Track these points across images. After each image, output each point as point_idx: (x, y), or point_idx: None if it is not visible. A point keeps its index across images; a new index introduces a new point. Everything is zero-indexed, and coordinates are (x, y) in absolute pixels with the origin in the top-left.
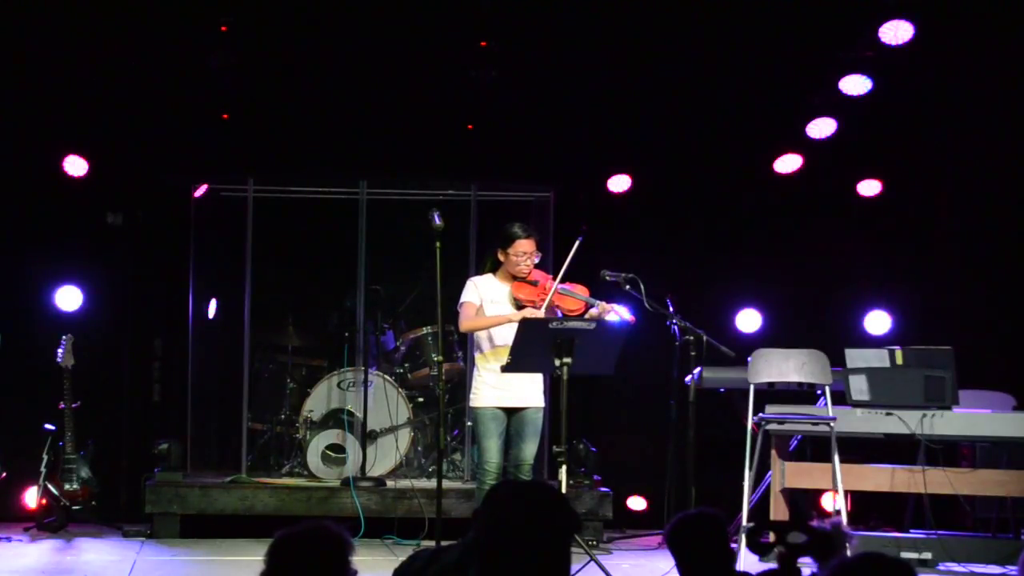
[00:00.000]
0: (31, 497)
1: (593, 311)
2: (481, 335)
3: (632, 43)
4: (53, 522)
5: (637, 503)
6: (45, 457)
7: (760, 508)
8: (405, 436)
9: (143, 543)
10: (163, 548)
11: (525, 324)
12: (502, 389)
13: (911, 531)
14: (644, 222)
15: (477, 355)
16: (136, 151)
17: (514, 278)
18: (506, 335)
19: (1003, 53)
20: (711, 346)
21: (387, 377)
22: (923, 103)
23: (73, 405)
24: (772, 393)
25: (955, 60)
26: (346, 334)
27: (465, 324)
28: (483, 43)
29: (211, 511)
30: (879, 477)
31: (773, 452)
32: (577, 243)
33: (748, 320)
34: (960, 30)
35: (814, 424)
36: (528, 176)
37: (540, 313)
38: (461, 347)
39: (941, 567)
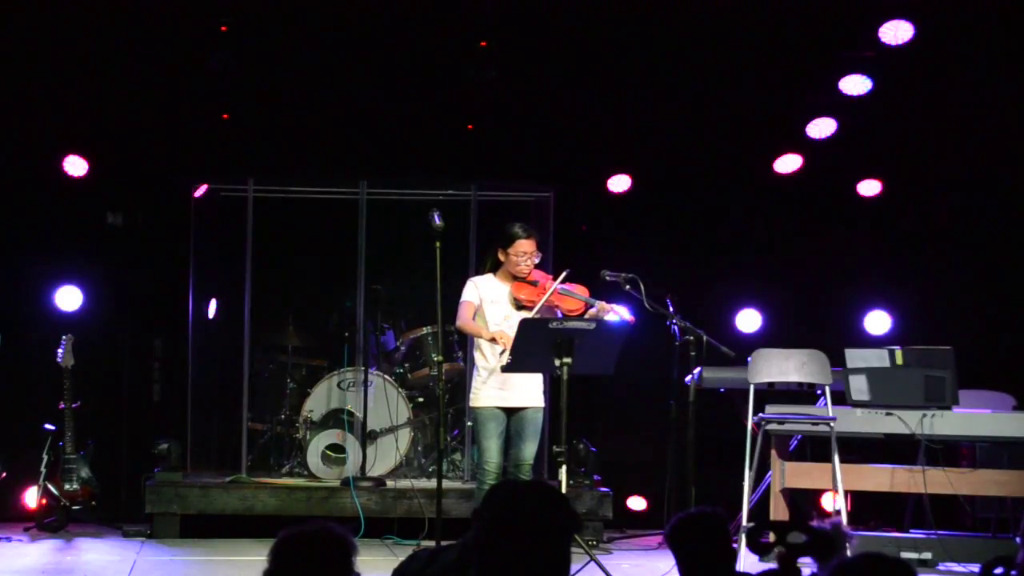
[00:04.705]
0: (31, 497)
1: (593, 311)
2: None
3: (632, 43)
4: (53, 522)
5: (637, 503)
6: (45, 457)
7: (760, 508)
8: (405, 436)
9: (143, 543)
10: (163, 548)
11: (525, 324)
12: (502, 389)
13: (911, 531)
14: (644, 222)
15: (477, 355)
16: (136, 151)
17: (514, 278)
18: (506, 335)
19: (1003, 53)
20: (711, 346)
21: (387, 377)
22: (923, 103)
23: (73, 405)
24: (772, 393)
25: (955, 60)
26: (346, 334)
27: (458, 323)
28: (483, 43)
29: (211, 511)
30: (879, 477)
31: (773, 452)
32: (565, 274)
33: (748, 320)
34: (960, 30)
35: (814, 424)
36: (528, 176)
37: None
38: (461, 347)
39: (941, 567)
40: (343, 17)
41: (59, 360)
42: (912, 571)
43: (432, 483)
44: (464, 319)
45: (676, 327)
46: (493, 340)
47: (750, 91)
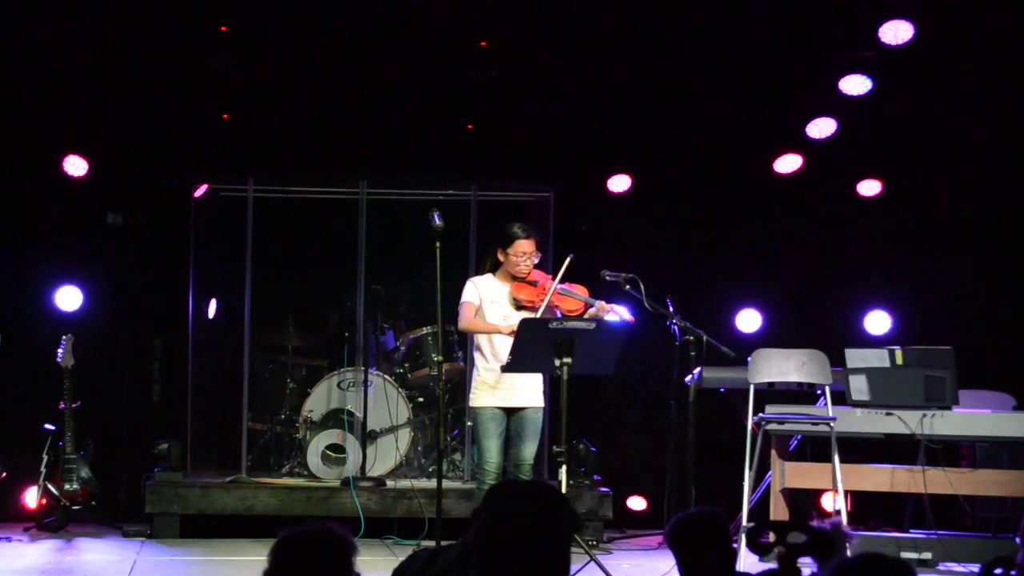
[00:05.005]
0: (31, 497)
1: (593, 311)
2: (481, 335)
3: (632, 43)
4: (53, 522)
5: (637, 503)
6: (45, 457)
7: (760, 508)
8: (405, 436)
9: (143, 543)
10: (163, 548)
11: (525, 324)
12: (502, 389)
13: (911, 531)
14: (644, 222)
15: (477, 355)
16: (136, 151)
17: (514, 278)
18: (506, 335)
19: (1003, 53)
20: (711, 346)
21: (387, 377)
22: (923, 103)
23: (73, 405)
24: (772, 393)
25: (955, 60)
26: (346, 334)
27: (463, 324)
28: (483, 43)
29: (211, 511)
30: (879, 477)
31: (773, 452)
32: (568, 260)
33: (748, 320)
34: (960, 30)
35: (814, 424)
36: (528, 176)
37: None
38: (461, 347)
39: (941, 567)
40: (343, 17)
41: (59, 360)
42: (912, 571)
43: (432, 483)
44: (469, 319)
45: (676, 327)
46: (513, 333)
47: (750, 91)
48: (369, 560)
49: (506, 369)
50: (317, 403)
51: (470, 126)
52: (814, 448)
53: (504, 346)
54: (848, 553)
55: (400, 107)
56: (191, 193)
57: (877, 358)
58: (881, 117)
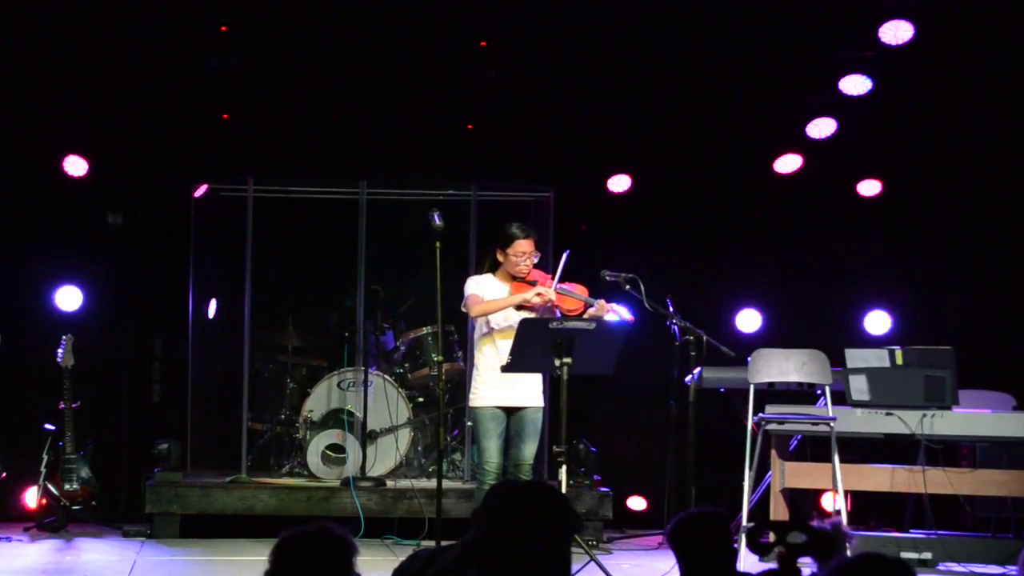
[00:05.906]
0: (31, 497)
1: (592, 311)
2: (481, 327)
3: (632, 43)
4: (53, 522)
5: (637, 503)
6: (45, 457)
7: (760, 508)
8: (405, 436)
9: (143, 543)
10: (163, 548)
11: (525, 324)
12: (502, 389)
13: (911, 531)
14: (644, 222)
15: (477, 355)
16: (136, 151)
17: (513, 278)
18: (507, 335)
19: (1003, 53)
20: (711, 346)
21: (387, 377)
22: (923, 103)
23: (73, 405)
24: (772, 393)
25: (955, 60)
26: (346, 334)
27: (477, 308)
28: (483, 43)
29: (211, 511)
30: (879, 477)
31: (773, 452)
32: (565, 257)
33: (748, 320)
34: (960, 30)
35: (814, 424)
36: (528, 176)
37: (551, 294)
38: (461, 347)
39: (941, 567)
40: (343, 17)
41: (59, 360)
42: (912, 571)
43: (432, 483)
44: (480, 302)
45: (676, 327)
46: (539, 295)
47: (750, 91)
48: (369, 560)
49: (506, 369)
50: (317, 403)
51: (470, 126)
52: (814, 448)
53: (505, 345)
54: (848, 553)
55: (400, 107)
56: (191, 193)
57: (877, 358)
58: (881, 117)
